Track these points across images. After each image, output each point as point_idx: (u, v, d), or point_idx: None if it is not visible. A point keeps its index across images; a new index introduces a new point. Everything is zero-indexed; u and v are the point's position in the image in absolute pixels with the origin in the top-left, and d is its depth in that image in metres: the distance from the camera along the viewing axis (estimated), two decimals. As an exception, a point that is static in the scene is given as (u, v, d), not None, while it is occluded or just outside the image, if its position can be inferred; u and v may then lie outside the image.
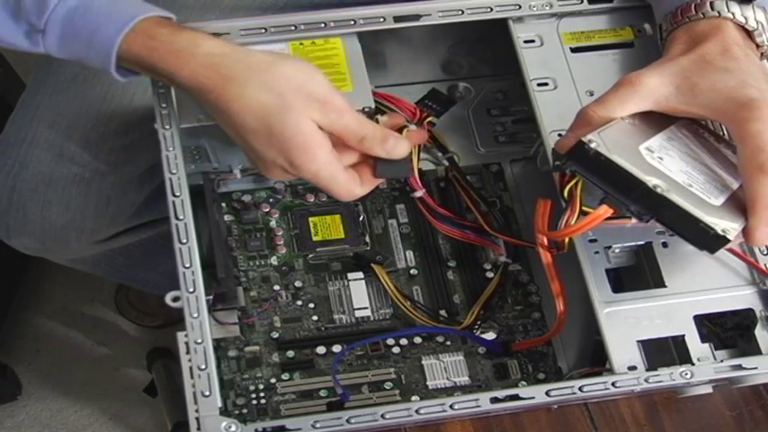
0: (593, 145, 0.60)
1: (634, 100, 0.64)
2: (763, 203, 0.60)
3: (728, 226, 0.59)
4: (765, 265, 0.68)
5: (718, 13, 0.67)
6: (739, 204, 0.62)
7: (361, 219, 0.78)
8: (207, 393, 0.60)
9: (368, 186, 0.69)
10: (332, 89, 0.66)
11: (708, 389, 0.68)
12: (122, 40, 0.63)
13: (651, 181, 0.59)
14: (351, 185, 0.67)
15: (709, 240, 0.59)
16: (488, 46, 0.79)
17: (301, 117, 0.63)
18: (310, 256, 0.76)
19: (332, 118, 0.65)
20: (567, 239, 0.64)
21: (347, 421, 0.60)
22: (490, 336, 0.74)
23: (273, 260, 0.76)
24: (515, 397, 0.62)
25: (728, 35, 0.66)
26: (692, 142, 0.66)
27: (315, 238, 0.77)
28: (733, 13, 0.67)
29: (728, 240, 0.59)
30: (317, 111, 0.64)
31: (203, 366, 0.60)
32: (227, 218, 0.77)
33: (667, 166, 0.62)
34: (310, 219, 0.77)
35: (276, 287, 0.74)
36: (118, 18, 0.63)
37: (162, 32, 0.64)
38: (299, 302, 0.74)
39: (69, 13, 0.63)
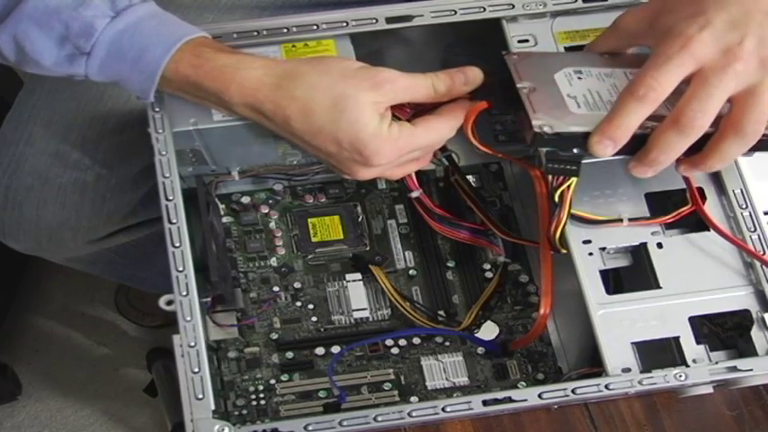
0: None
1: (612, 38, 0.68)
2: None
3: (549, 126, 0.63)
4: (755, 247, 0.67)
5: None
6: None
7: (360, 219, 0.78)
8: (200, 396, 0.60)
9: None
10: (373, 67, 0.66)
11: (708, 389, 0.67)
12: (171, 59, 0.64)
13: (522, 82, 0.65)
14: (438, 120, 0.68)
15: (529, 134, 0.64)
16: (485, 45, 0.78)
17: (360, 100, 0.63)
18: (309, 257, 0.76)
19: (387, 89, 0.65)
20: (557, 238, 0.65)
21: (339, 424, 0.60)
22: (492, 329, 0.74)
23: (273, 261, 0.76)
24: (508, 399, 0.62)
25: None
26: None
27: (314, 239, 0.77)
28: None
29: (542, 135, 0.62)
30: (372, 91, 0.64)
31: (196, 369, 0.60)
32: (226, 219, 0.77)
33: (575, 83, 0.65)
34: (309, 220, 0.77)
35: (275, 288, 0.74)
36: (166, 39, 0.65)
37: (205, 51, 0.65)
38: (299, 303, 0.74)
39: (117, 35, 0.64)
